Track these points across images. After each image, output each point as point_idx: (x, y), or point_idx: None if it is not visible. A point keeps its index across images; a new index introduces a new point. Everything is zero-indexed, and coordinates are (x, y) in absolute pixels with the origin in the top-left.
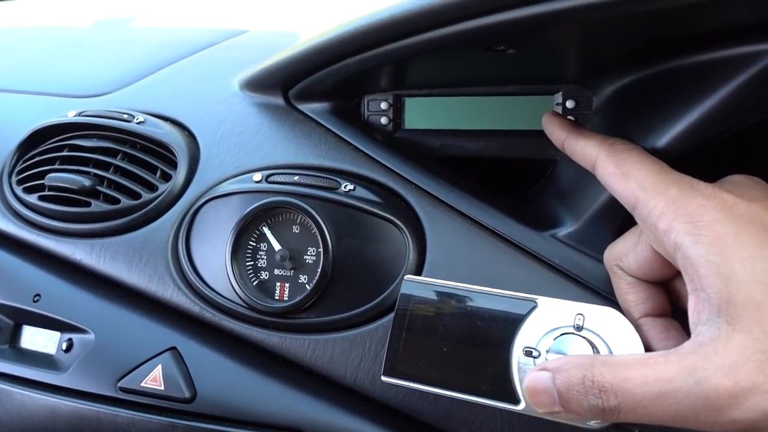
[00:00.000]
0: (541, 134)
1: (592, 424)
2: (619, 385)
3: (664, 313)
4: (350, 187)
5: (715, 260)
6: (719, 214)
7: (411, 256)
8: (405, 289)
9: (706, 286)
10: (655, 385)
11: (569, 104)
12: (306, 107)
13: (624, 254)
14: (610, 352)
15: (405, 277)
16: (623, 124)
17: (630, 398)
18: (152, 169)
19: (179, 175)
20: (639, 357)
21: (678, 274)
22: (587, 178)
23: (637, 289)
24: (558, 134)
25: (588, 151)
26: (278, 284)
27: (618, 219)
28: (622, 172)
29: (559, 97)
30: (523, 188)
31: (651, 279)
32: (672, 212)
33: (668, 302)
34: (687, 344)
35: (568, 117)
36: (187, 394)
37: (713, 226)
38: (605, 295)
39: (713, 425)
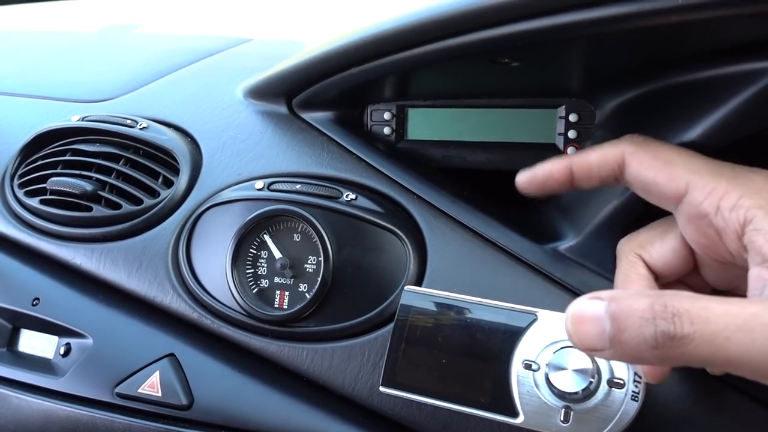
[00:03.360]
0: (543, 147)
1: None
2: (697, 312)
3: None
4: (352, 196)
5: None
6: None
7: (411, 266)
8: (405, 299)
9: None
10: (740, 317)
11: (572, 118)
12: (309, 116)
13: (648, 242)
14: (611, 368)
15: (405, 287)
16: None
17: (710, 327)
18: (154, 175)
19: (181, 182)
20: (713, 296)
21: (693, 271)
22: (589, 192)
23: (644, 284)
24: (558, 166)
25: (608, 153)
26: (278, 292)
27: (619, 233)
28: (664, 161)
29: (562, 111)
30: (525, 201)
31: (666, 272)
32: (738, 189)
33: None
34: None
35: (571, 130)
36: (184, 401)
37: None
38: None
39: None
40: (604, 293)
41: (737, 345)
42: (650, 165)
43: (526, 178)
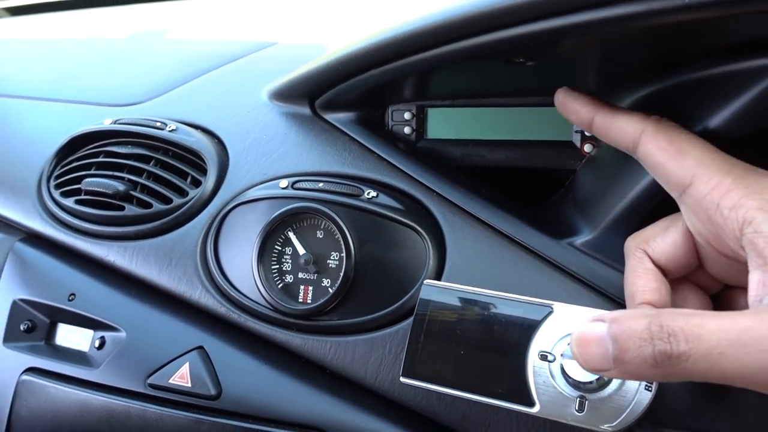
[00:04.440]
0: (560, 145)
1: (606, 428)
2: (691, 330)
3: (663, 306)
4: (373, 194)
5: None
6: None
7: (431, 262)
8: (424, 293)
9: None
10: (732, 333)
11: None
12: (331, 117)
13: (652, 237)
14: None
15: (425, 281)
16: None
17: (703, 344)
18: (183, 175)
19: (209, 181)
20: (708, 311)
21: (697, 268)
22: (605, 188)
23: (650, 277)
24: (585, 111)
25: (629, 126)
26: (302, 287)
27: (634, 228)
28: (677, 149)
29: None
30: (542, 198)
31: (671, 267)
32: (742, 189)
33: (670, 300)
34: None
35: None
36: (213, 392)
37: None
38: (620, 302)
39: None
40: (607, 315)
41: (731, 360)
42: (663, 150)
43: (561, 99)
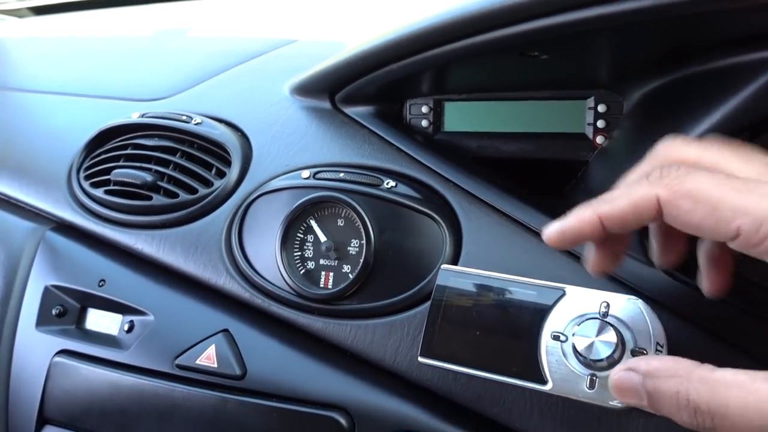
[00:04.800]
0: (573, 136)
1: (615, 404)
2: (716, 410)
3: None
4: (392, 183)
5: None
6: None
7: (447, 248)
8: (441, 278)
9: None
10: (756, 413)
11: (601, 108)
12: (351, 110)
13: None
14: (634, 339)
15: (442, 266)
16: (651, 127)
17: (728, 423)
18: (208, 167)
19: (233, 173)
20: (739, 378)
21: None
22: (616, 178)
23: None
24: (586, 222)
25: (641, 206)
26: (323, 273)
27: None
28: (706, 206)
29: (591, 102)
30: (556, 188)
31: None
32: None
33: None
34: None
35: (600, 120)
36: (238, 372)
37: None
38: (630, 286)
39: None
40: (641, 366)
41: None
42: (692, 211)
43: (555, 238)
